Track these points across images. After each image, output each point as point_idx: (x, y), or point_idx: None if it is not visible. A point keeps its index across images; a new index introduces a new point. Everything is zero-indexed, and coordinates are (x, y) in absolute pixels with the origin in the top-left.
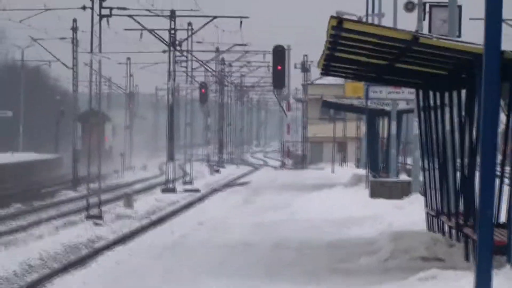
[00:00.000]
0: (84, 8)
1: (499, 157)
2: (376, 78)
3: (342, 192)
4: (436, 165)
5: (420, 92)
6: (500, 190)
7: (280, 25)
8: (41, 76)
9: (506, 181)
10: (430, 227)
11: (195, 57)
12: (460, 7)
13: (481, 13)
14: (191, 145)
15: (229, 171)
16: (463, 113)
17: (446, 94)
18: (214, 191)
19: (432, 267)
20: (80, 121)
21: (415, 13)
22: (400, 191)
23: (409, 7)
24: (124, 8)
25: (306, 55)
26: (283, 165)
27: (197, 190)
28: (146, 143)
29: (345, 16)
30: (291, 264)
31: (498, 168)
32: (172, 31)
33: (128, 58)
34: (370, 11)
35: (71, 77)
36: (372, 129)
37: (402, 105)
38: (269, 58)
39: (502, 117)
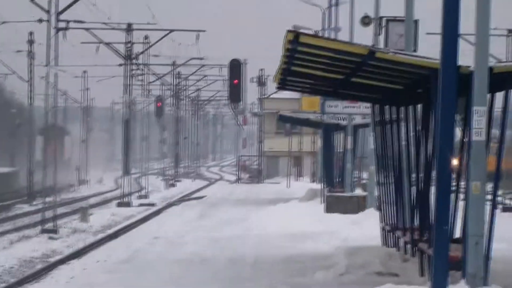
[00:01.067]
0: (40, 21)
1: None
2: (332, 93)
3: (297, 207)
4: (392, 180)
5: (376, 107)
6: (455, 205)
7: (236, 39)
8: None
9: (461, 196)
10: (385, 242)
11: (152, 71)
12: (416, 21)
13: (438, 28)
14: (147, 159)
15: (185, 185)
16: (419, 128)
17: (402, 109)
18: (170, 205)
19: (387, 282)
20: (42, 134)
21: (371, 28)
22: (355, 206)
23: (365, 22)
24: (81, 21)
25: (262, 69)
26: (239, 179)
27: (152, 204)
28: (103, 156)
29: (302, 30)
30: (248, 279)
31: (453, 183)
32: (129, 45)
33: (85, 71)
34: (326, 25)
35: (27, 90)
36: (328, 144)
37: (358, 120)
38: (226, 72)
39: (458, 132)
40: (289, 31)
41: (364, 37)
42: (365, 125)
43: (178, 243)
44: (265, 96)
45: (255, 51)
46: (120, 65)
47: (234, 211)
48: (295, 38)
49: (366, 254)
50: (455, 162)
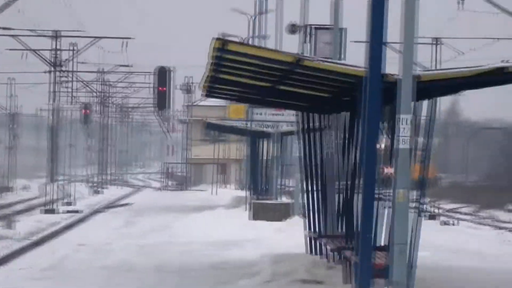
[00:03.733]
0: None
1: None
2: (259, 101)
3: (223, 214)
4: (317, 187)
5: (303, 114)
6: (381, 213)
7: (164, 47)
8: None
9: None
10: (310, 250)
11: (79, 78)
12: (343, 29)
13: (365, 36)
14: (73, 166)
15: (111, 192)
16: (345, 136)
17: (328, 117)
18: (96, 212)
19: None
20: None
21: (299, 36)
22: (281, 213)
23: (292, 29)
24: (8, 28)
25: (189, 77)
26: (165, 187)
27: (78, 211)
28: (29, 163)
29: (229, 38)
30: (174, 286)
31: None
32: (56, 52)
33: (10, 79)
34: (254, 33)
35: None
36: (254, 151)
37: (284, 127)
38: (153, 79)
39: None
40: (216, 39)
41: (292, 45)
42: (291, 133)
43: (104, 250)
44: (192, 104)
45: (183, 59)
46: (46, 72)
47: (160, 218)
48: (222, 45)
49: (291, 262)
50: (385, 169)
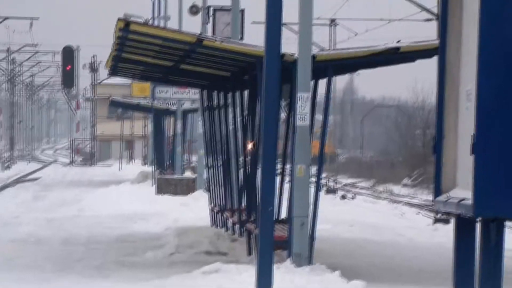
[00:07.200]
0: None
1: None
2: (162, 79)
3: (129, 189)
4: (220, 163)
5: (205, 92)
6: (281, 187)
7: (70, 26)
8: None
9: (287, 178)
10: (214, 223)
11: None
12: (242, 11)
13: (263, 17)
14: None
15: (20, 168)
16: (245, 113)
17: (230, 95)
18: (5, 186)
19: (216, 261)
20: None
21: (200, 17)
22: (185, 188)
23: (193, 11)
24: None
25: (94, 55)
26: (72, 162)
27: None
28: None
29: (132, 18)
30: (81, 258)
31: (279, 166)
32: None
33: None
34: (156, 14)
35: None
36: (158, 128)
37: (187, 105)
38: (59, 58)
39: (284, 117)
40: (119, 20)
41: (195, 26)
42: (194, 110)
43: (12, 223)
44: (98, 82)
45: (89, 38)
46: None
47: (68, 192)
48: (125, 26)
49: (196, 234)
50: (280, 146)
